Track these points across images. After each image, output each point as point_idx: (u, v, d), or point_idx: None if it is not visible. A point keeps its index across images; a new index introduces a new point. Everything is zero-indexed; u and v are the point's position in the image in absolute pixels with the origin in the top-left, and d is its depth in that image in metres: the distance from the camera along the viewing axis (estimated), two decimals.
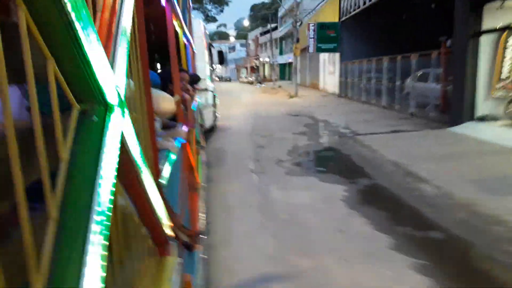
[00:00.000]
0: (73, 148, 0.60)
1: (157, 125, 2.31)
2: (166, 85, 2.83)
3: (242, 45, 66.40)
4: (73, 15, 0.55)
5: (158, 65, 7.05)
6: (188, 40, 5.63)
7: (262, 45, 60.11)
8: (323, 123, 12.13)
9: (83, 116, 0.66)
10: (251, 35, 65.94)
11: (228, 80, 60.20)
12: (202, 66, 9.29)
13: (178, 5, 3.68)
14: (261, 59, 59.94)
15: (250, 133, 10.81)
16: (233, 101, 21.38)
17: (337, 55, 22.13)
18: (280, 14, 50.54)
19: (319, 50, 22.39)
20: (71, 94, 0.62)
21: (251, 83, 47.53)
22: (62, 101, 0.66)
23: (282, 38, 49.88)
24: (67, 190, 0.54)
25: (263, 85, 41.40)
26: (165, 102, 2.02)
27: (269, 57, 52.57)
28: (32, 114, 0.49)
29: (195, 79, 5.63)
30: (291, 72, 45.37)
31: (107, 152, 0.66)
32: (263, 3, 68.62)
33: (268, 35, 52.87)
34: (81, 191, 0.56)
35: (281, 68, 51.42)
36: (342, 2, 20.38)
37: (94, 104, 0.68)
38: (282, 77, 50.44)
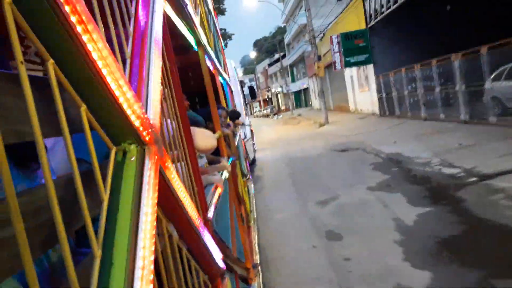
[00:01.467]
0: (114, 188, 0.62)
1: (203, 161, 2.37)
2: (205, 123, 2.92)
3: (251, 79, 65.32)
4: (99, 63, 0.58)
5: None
6: (224, 79, 5.82)
7: (271, 76, 59.27)
8: (397, 159, 7.78)
9: (121, 157, 0.68)
10: (259, 67, 64.96)
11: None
12: (238, 102, 9.56)
13: (210, 48, 3.84)
14: (272, 90, 58.60)
15: (296, 198, 6.55)
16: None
17: (369, 68, 18.52)
18: (286, 41, 49.76)
19: (348, 64, 18.57)
20: (106, 137, 0.65)
21: (267, 115, 44.21)
22: (103, 147, 0.69)
23: (292, 65, 48.35)
24: (109, 228, 0.56)
25: (280, 116, 37.96)
26: (206, 138, 2.07)
27: (281, 86, 50.67)
28: (70, 162, 0.52)
29: (235, 115, 5.77)
30: (308, 98, 43.73)
31: (146, 190, 0.68)
32: (265, 38, 68.34)
33: (276, 65, 51.94)
34: (123, 228, 0.57)
35: (296, 96, 49.24)
36: (366, 5, 16.96)
37: (131, 145, 0.71)
38: (297, 105, 48.35)
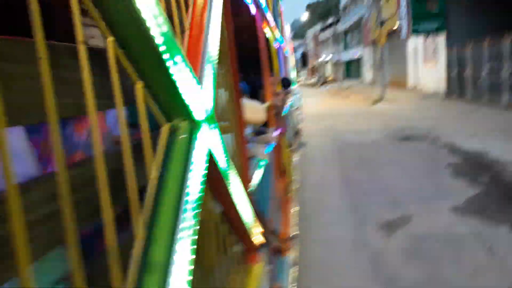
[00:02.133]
0: (162, 165, 0.63)
1: (249, 131, 2.37)
2: (256, 91, 2.90)
3: (300, 44, 59.42)
4: (158, 39, 0.57)
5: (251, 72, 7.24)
6: (280, 44, 5.70)
7: (322, 42, 53.88)
8: (485, 161, 5.89)
9: (171, 134, 0.68)
10: (309, 33, 59.50)
11: None
12: (289, 68, 9.34)
13: (269, 11, 3.74)
14: (321, 58, 53.51)
15: (349, 210, 4.52)
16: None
17: (440, 39, 15.44)
18: (342, 3, 44.78)
19: (417, 31, 15.50)
20: (159, 113, 0.65)
21: (313, 85, 40.08)
22: (154, 120, 0.70)
23: (346, 32, 43.72)
24: (154, 209, 0.57)
25: (327, 87, 34.39)
26: (256, 112, 2.06)
27: (332, 54, 46.49)
28: (121, 135, 0.52)
29: (287, 83, 5.66)
30: (359, 70, 39.46)
31: (195, 168, 0.68)
32: (318, 1, 62.56)
33: (328, 31, 47.47)
34: (168, 210, 0.58)
35: (346, 66, 44.65)
36: None
37: (182, 122, 0.70)
38: (348, 76, 43.22)
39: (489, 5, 13.19)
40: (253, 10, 2.73)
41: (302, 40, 61.95)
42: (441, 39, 15.49)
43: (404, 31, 16.14)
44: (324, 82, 39.90)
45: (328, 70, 51.63)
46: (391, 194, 4.83)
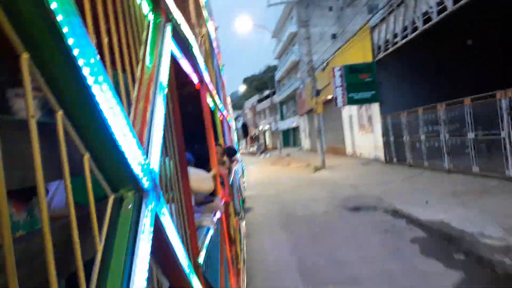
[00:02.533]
0: (109, 238, 0.61)
1: (195, 201, 2.35)
2: (202, 161, 2.91)
3: (239, 115, 61.07)
4: (106, 112, 0.59)
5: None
6: (223, 115, 5.89)
7: (259, 112, 56.81)
8: (450, 234, 5.21)
9: (118, 204, 0.68)
10: (248, 103, 61.85)
11: None
12: (234, 138, 9.56)
13: (212, 83, 3.91)
14: (260, 127, 55.81)
15: None
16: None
17: (374, 107, 15.99)
18: (277, 77, 48.10)
19: (352, 101, 15.82)
20: (106, 184, 0.65)
21: (253, 153, 40.40)
22: (100, 191, 0.69)
23: (282, 103, 46.65)
24: (101, 281, 0.54)
25: (267, 155, 34.96)
26: (203, 181, 2.07)
27: (269, 124, 48.11)
28: (68, 206, 0.51)
29: (232, 152, 5.76)
30: (297, 138, 41.40)
31: (142, 237, 0.67)
32: (254, 76, 66.68)
33: (265, 102, 50.15)
34: (116, 281, 0.56)
35: (284, 134, 46.77)
36: (375, 35, 14.86)
37: (129, 192, 0.70)
38: (286, 144, 45.70)
39: (418, 78, 14.09)
40: (196, 81, 2.84)
41: (240, 111, 64.10)
42: (375, 107, 15.84)
43: (339, 100, 16.11)
44: (264, 150, 40.78)
45: (267, 139, 53.36)
46: (358, 285, 4.03)
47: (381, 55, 14.43)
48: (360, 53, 15.89)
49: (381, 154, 15.81)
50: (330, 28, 29.47)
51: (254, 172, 18.53)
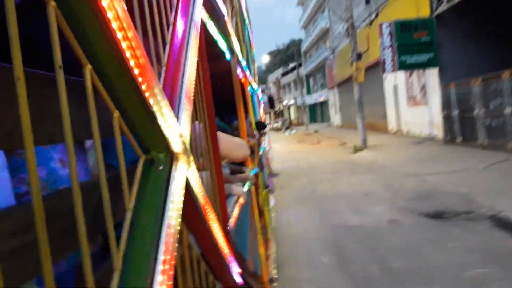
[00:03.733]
0: (139, 198, 0.61)
1: (226, 171, 2.36)
2: (233, 132, 2.93)
3: (262, 89, 61.54)
4: (136, 70, 0.58)
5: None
6: (253, 89, 5.85)
7: (284, 86, 54.15)
8: None
9: (149, 166, 0.68)
10: (271, 77, 59.17)
11: None
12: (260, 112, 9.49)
13: (243, 58, 3.88)
14: (285, 102, 53.38)
15: None
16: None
17: (430, 75, 12.91)
18: (304, 48, 44.55)
19: (404, 66, 12.53)
20: (137, 145, 0.65)
21: (278, 129, 37.08)
22: (132, 153, 0.69)
23: (308, 76, 43.69)
24: (131, 240, 0.55)
25: (293, 131, 32.08)
26: (240, 147, 2.07)
27: (295, 98, 46.18)
28: (98, 167, 0.51)
29: (262, 125, 5.77)
30: (324, 113, 39.20)
31: (173, 200, 0.67)
32: (277, 49, 63.62)
33: (290, 75, 47.48)
34: (145, 241, 0.56)
35: (311, 109, 43.75)
36: None
37: (160, 154, 0.70)
38: (312, 120, 42.99)
39: (487, 39, 11.33)
40: (228, 56, 2.83)
41: (264, 85, 62.88)
42: (432, 74, 12.81)
43: (388, 64, 12.81)
44: (289, 126, 37.82)
45: (292, 114, 51.15)
46: None
47: (441, 9, 11.26)
48: (412, 8, 12.82)
49: (438, 132, 12.68)
50: None
51: (278, 152, 15.34)
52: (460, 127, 11.27)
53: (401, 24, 12.26)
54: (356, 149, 13.34)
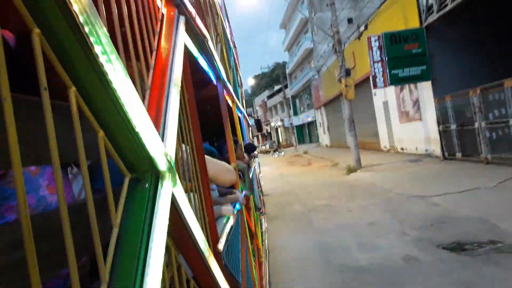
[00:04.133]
0: (125, 214, 0.63)
1: (215, 194, 2.37)
2: (223, 156, 2.95)
3: (249, 113, 61.09)
4: (119, 91, 0.60)
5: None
6: (241, 112, 5.91)
7: (271, 108, 54.87)
8: None
9: (134, 184, 0.69)
10: (258, 100, 60.31)
11: None
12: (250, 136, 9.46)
13: (229, 82, 3.94)
14: (272, 124, 53.18)
15: None
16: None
17: (424, 88, 12.32)
18: (288, 70, 45.04)
19: (396, 80, 11.99)
20: (122, 164, 0.66)
21: (266, 152, 36.75)
22: (118, 177, 0.71)
23: (294, 97, 44.16)
24: (117, 255, 0.56)
25: (282, 153, 31.87)
26: (227, 172, 2.09)
27: (282, 120, 46.03)
28: (85, 188, 0.53)
29: (251, 148, 5.81)
30: (312, 133, 39.39)
31: (159, 219, 0.68)
32: (263, 73, 64.41)
33: (275, 98, 47.89)
34: (132, 255, 0.57)
35: (298, 130, 43.97)
36: None
37: (145, 172, 0.72)
38: (300, 140, 43.29)
39: (479, 47, 10.99)
40: (214, 80, 2.88)
41: (250, 108, 63.25)
42: (425, 88, 12.21)
43: (379, 79, 12.35)
44: (277, 148, 37.55)
45: (280, 136, 50.96)
46: None
47: (431, 18, 10.79)
48: (401, 19, 12.40)
49: (435, 148, 12.10)
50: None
51: (268, 176, 14.58)
52: (459, 142, 10.66)
53: (390, 36, 11.84)
54: (350, 170, 12.82)
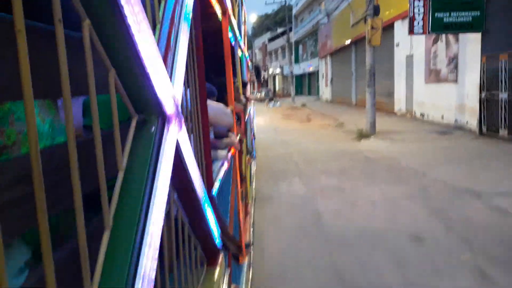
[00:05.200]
0: (131, 158, 0.61)
1: (211, 135, 2.36)
2: (222, 95, 2.91)
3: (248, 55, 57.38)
4: (133, 28, 0.56)
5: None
6: (243, 52, 5.76)
7: (271, 53, 49.95)
8: None
9: (141, 126, 0.67)
10: (258, 42, 54.20)
11: None
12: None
13: (234, 18, 3.78)
14: (270, 70, 49.40)
15: None
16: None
17: (467, 42, 9.73)
18: (295, 11, 39.57)
19: (439, 27, 9.39)
20: (130, 105, 0.64)
21: (260, 100, 31.83)
22: (120, 113, 0.68)
23: (298, 42, 38.92)
24: (122, 198, 0.55)
25: (278, 103, 28.58)
26: (225, 115, 2.07)
27: (281, 67, 42.36)
28: (93, 123, 0.50)
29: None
30: (312, 85, 35.72)
31: (163, 162, 0.67)
32: (266, 14, 59.16)
33: (278, 41, 42.46)
34: (136, 200, 0.57)
35: (297, 80, 39.64)
36: None
37: (152, 115, 0.69)
38: (298, 92, 38.67)
39: None
40: (219, 16, 2.75)
41: (249, 51, 60.09)
42: (469, 42, 9.64)
43: (418, 23, 9.58)
44: (272, 97, 33.55)
45: (276, 85, 47.63)
46: None
47: None
48: None
49: (470, 119, 9.70)
50: None
51: (261, 130, 12.01)
52: (507, 116, 8.19)
53: None
54: (362, 135, 10.31)
